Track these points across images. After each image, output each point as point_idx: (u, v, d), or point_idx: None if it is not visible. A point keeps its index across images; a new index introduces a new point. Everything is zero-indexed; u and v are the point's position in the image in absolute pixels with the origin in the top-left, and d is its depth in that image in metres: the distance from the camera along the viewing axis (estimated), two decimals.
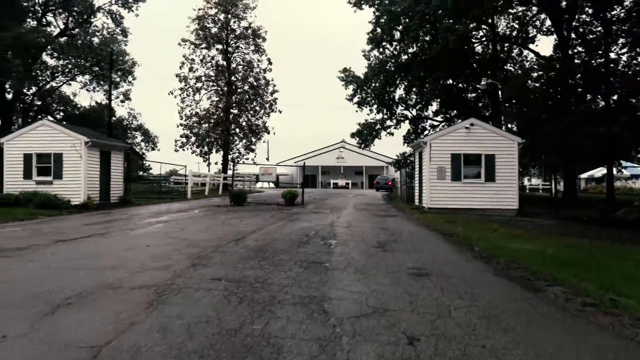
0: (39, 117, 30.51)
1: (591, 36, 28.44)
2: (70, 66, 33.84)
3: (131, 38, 34.86)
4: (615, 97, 27.00)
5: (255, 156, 44.83)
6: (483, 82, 27.85)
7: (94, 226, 13.37)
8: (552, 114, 26.48)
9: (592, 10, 27.78)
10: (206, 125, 42.69)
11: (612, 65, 26.83)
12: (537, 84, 30.52)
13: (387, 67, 32.88)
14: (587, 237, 12.83)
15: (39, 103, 34.39)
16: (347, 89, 34.93)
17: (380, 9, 31.01)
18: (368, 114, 35.15)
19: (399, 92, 34.74)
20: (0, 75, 28.95)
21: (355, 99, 34.76)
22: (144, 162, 45.57)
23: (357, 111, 35.52)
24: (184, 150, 42.62)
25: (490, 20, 31.59)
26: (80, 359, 3.70)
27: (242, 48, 44.23)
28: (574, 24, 28.99)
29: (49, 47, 31.14)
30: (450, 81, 33.27)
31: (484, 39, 33.77)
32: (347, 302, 5.52)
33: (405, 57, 32.87)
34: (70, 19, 32.93)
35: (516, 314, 5.29)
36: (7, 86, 30.61)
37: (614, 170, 31.78)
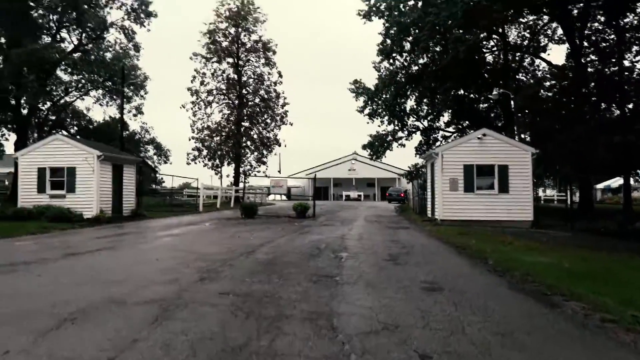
0: (54, 131, 30.83)
1: (604, 44, 28.16)
2: (83, 81, 34.29)
3: (143, 53, 35.30)
4: (630, 106, 26.62)
5: (266, 168, 44.95)
6: (495, 92, 27.64)
7: (105, 240, 13.36)
8: (565, 124, 26.15)
9: (605, 18, 27.52)
10: (218, 138, 42.93)
11: (626, 73, 26.48)
12: (549, 93, 30.22)
13: (398, 78, 32.78)
14: (604, 250, 12.52)
15: (54, 118, 34.82)
16: (357, 101, 34.89)
17: (390, 20, 31.00)
18: (379, 126, 34.99)
19: (410, 103, 34.61)
20: (15, 90, 29.46)
21: (366, 111, 34.66)
22: (157, 175, 45.84)
23: (368, 123, 35.38)
24: (195, 163, 42.92)
25: (500, 30, 31.41)
26: None
27: (252, 61, 44.58)
28: (586, 32, 28.71)
29: (62, 62, 31.60)
30: (462, 91, 33.07)
31: (494, 48, 33.59)
32: (357, 318, 5.36)
33: (416, 68, 32.77)
34: (83, 35, 33.43)
35: (532, 331, 5.09)
36: (22, 101, 31.08)
37: (632, 181, 31.21)
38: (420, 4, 29.00)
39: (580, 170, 26.45)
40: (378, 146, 34.79)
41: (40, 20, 32.14)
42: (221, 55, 43.16)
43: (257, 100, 44.67)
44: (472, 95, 33.90)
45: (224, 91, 43.94)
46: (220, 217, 23.20)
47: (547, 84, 31.13)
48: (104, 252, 10.78)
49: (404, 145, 35.01)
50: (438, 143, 32.98)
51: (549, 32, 32.68)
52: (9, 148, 33.32)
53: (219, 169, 43.89)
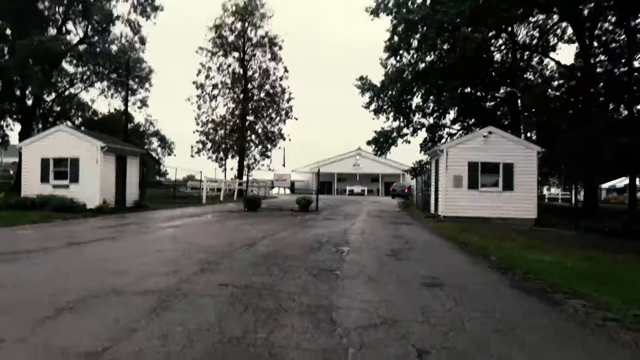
0: (58, 122, 30.91)
1: (614, 44, 27.89)
2: (88, 73, 34.35)
3: (149, 46, 35.34)
4: (639, 107, 26.38)
5: (270, 162, 44.86)
6: (502, 91, 27.46)
7: (107, 230, 13.38)
8: (572, 123, 25.96)
9: (616, 18, 27.22)
10: (222, 131, 42.89)
11: (636, 74, 26.22)
12: (557, 93, 30.02)
13: (404, 75, 32.58)
14: (608, 249, 12.42)
15: (58, 109, 34.85)
16: (363, 97, 34.76)
17: (398, 17, 30.82)
18: (384, 122, 34.86)
19: (416, 100, 34.39)
20: (21, 81, 29.52)
21: (372, 107, 34.51)
22: (161, 167, 45.94)
23: (373, 119, 35.25)
24: (200, 156, 42.91)
25: (509, 29, 31.14)
26: None
27: (258, 56, 44.38)
28: (596, 32, 28.41)
29: (68, 54, 31.62)
30: (469, 89, 32.84)
31: (502, 47, 33.29)
32: (356, 312, 5.32)
33: (423, 65, 32.53)
34: (89, 27, 33.41)
35: (533, 329, 5.04)
36: (27, 92, 31.15)
37: (637, 181, 30.97)
38: (428, 1, 28.84)
39: (586, 170, 26.27)
40: (383, 142, 34.66)
41: (47, 12, 32.15)
42: (227, 49, 43.04)
43: (262, 94, 44.53)
44: (478, 94, 33.69)
45: (229, 85, 43.82)
46: (223, 210, 23.21)
47: (555, 83, 30.91)
48: (105, 242, 10.80)
49: (409, 142, 34.88)
50: (443, 140, 32.84)
51: (559, 31, 32.32)
52: (14, 138, 33.46)
53: (223, 162, 43.91)
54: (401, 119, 34.23)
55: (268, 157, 44.54)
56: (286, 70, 44.24)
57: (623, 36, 27.37)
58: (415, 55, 32.67)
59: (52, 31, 32.10)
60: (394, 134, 34.41)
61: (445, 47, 31.00)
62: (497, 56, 33.59)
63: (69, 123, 33.22)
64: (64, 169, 20.09)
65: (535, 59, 34.00)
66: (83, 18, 32.92)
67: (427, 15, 28.01)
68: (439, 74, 30.74)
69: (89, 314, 4.94)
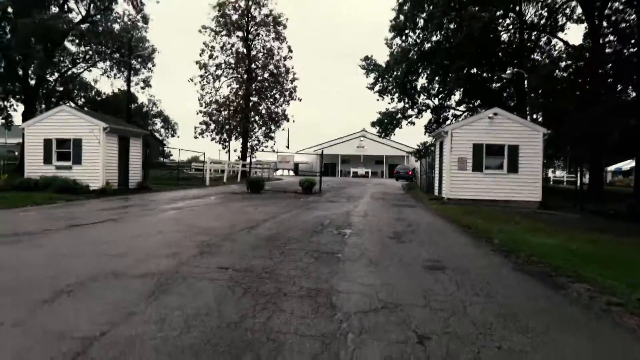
0: (61, 103, 30.71)
1: (624, 24, 27.35)
2: (90, 52, 34.02)
3: (152, 25, 34.79)
4: None
5: (274, 144, 44.76)
6: (508, 72, 27.06)
7: (109, 211, 13.36)
8: (580, 105, 25.62)
9: None
10: (226, 112, 42.71)
11: None
12: (564, 74, 29.58)
13: (410, 56, 32.16)
14: (613, 232, 12.33)
15: (61, 89, 34.59)
16: (368, 78, 34.44)
17: None
18: (389, 103, 34.58)
19: (422, 80, 34.04)
20: (23, 61, 29.29)
21: (377, 88, 34.23)
22: (164, 148, 45.85)
23: (378, 100, 34.95)
24: (203, 137, 42.83)
25: (517, 8, 30.56)
26: (71, 351, 3.52)
27: (262, 35, 43.93)
28: (606, 11, 27.87)
29: (70, 33, 31.28)
30: (475, 70, 32.40)
31: (510, 27, 32.75)
32: (357, 296, 5.27)
33: (429, 45, 32.08)
34: (92, 5, 32.99)
35: (536, 313, 4.97)
36: (30, 72, 30.95)
37: None
38: None
39: (593, 152, 26.02)
40: (387, 124, 34.45)
41: None
42: (231, 28, 42.59)
43: (266, 75, 44.19)
44: (484, 74, 33.25)
45: (233, 65, 43.49)
46: (226, 192, 23.17)
47: (563, 64, 30.45)
48: (107, 224, 10.77)
49: (413, 123, 34.65)
50: (448, 122, 32.54)
51: (568, 11, 31.75)
52: (18, 119, 33.36)
53: (227, 144, 43.84)
54: (406, 100, 33.95)
55: (272, 138, 44.46)
56: (290, 50, 43.90)
57: (633, 16, 26.82)
58: (421, 35, 32.22)
59: (54, 9, 31.72)
60: (399, 115, 34.17)
61: (451, 26, 30.51)
62: (504, 36, 33.09)
63: (71, 103, 33.03)
64: (67, 150, 20.04)
65: (543, 39, 33.48)
66: None
67: None
68: (444, 54, 30.34)
69: (88, 297, 4.90)
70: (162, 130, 45.51)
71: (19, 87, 31.70)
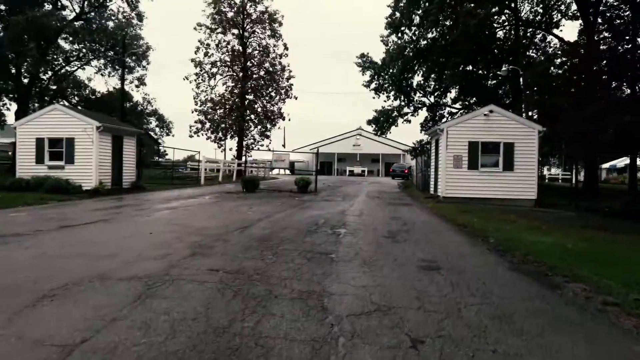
0: (54, 101, 30.48)
1: (618, 21, 27.32)
2: (84, 50, 33.71)
3: (146, 22, 34.57)
4: None
5: (270, 142, 44.50)
6: (504, 69, 27.00)
7: (102, 212, 13.21)
8: (575, 102, 25.58)
9: None
10: (221, 111, 42.43)
11: (639, 51, 25.74)
12: (560, 71, 29.55)
13: (406, 53, 32.08)
14: (608, 230, 12.27)
15: (55, 87, 34.31)
16: (364, 75, 34.35)
17: None
18: (385, 101, 34.53)
19: (417, 78, 34.01)
20: (16, 59, 29.00)
21: (373, 85, 34.15)
22: (159, 147, 45.62)
23: (374, 98, 34.88)
24: (198, 136, 42.51)
25: (513, 5, 30.51)
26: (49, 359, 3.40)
27: (258, 33, 43.65)
28: (600, 8, 27.84)
29: (64, 31, 30.98)
30: (470, 67, 32.39)
31: (506, 23, 32.71)
32: (349, 298, 5.15)
33: (425, 42, 32.01)
34: (85, 2, 32.70)
35: (532, 314, 4.88)
36: (22, 70, 30.66)
37: (638, 161, 30.71)
38: None
39: (588, 149, 26.00)
40: (383, 122, 34.36)
41: None
42: (226, 26, 42.29)
43: (261, 72, 43.94)
44: (480, 72, 33.23)
45: (228, 63, 43.20)
46: (221, 191, 23.02)
47: (558, 61, 30.44)
48: (98, 225, 10.62)
49: (409, 121, 34.61)
50: (444, 119, 32.49)
51: (563, 7, 31.72)
52: (10, 118, 33.07)
53: (222, 142, 43.58)
54: (402, 98, 33.88)
55: (268, 137, 44.20)
56: (286, 48, 43.62)
57: (628, 12, 26.80)
58: (416, 32, 32.15)
59: (48, 7, 31.39)
60: (395, 113, 34.09)
61: (447, 23, 30.47)
62: (500, 33, 33.07)
63: (65, 102, 32.78)
64: (60, 149, 19.84)
65: (539, 36, 33.47)
66: None
67: None
68: (440, 51, 30.26)
69: (71, 302, 4.76)
70: (157, 129, 45.26)
71: (12, 85, 31.40)
